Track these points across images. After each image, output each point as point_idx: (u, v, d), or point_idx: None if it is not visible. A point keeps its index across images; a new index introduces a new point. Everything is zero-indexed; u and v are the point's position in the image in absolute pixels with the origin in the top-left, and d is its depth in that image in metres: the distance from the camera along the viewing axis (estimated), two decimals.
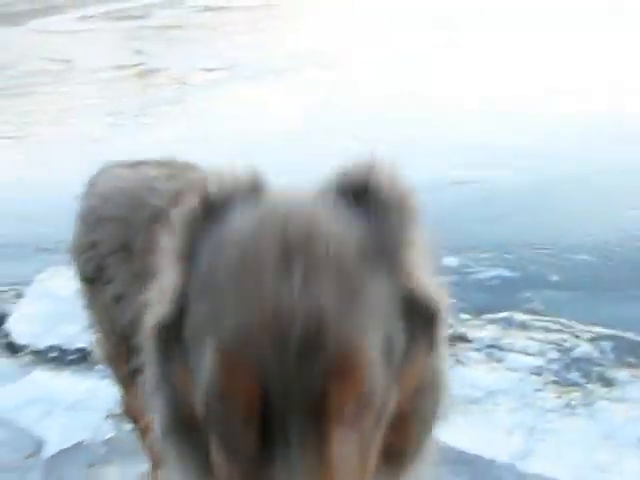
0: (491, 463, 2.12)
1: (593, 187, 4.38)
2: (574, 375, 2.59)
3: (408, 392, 0.87)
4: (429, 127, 5.84)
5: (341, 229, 0.82)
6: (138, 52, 11.52)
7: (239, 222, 0.83)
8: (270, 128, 5.99)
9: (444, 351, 0.97)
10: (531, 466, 2.11)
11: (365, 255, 0.81)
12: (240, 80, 8.28)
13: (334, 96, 7.03)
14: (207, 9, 19.12)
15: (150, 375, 0.93)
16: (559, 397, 2.45)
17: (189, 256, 0.85)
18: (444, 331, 0.93)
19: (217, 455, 0.81)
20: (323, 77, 8.08)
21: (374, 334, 0.77)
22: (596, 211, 4.04)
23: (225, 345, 0.75)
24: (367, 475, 0.80)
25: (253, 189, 0.89)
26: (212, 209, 0.86)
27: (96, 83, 9.01)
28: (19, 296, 3.53)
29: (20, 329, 3.19)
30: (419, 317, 0.86)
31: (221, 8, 19.07)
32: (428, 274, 0.92)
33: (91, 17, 18.80)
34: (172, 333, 0.85)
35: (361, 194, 0.88)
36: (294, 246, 0.77)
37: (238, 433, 0.76)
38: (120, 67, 10.04)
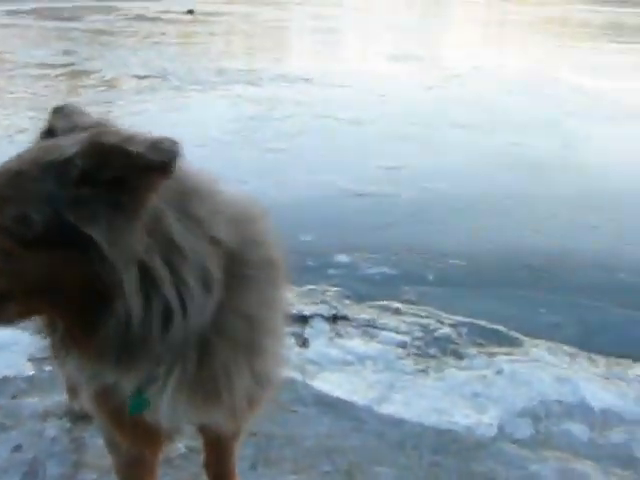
0: (352, 405, 2.62)
1: (472, 206, 5.07)
2: (433, 350, 3.12)
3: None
4: (341, 147, 6.44)
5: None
6: (68, 52, 11.68)
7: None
8: (192, 136, 6.41)
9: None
10: (385, 409, 2.61)
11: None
12: (168, 88, 8.67)
13: (256, 111, 7.54)
14: (138, 18, 19.33)
15: None
16: (417, 364, 2.97)
17: None
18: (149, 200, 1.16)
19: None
20: (248, 93, 8.59)
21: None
22: (470, 225, 4.71)
23: None
24: None
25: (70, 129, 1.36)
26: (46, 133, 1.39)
27: (24, 78, 9.17)
28: None
29: None
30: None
31: (153, 19, 19.32)
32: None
33: (18, 13, 18.69)
34: None
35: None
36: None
37: None
38: (49, 65, 10.21)
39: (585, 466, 2.39)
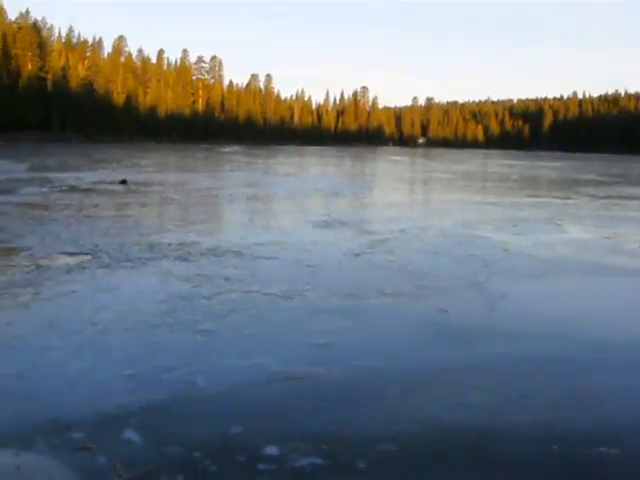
0: None
1: (401, 383, 5.12)
2: None
3: None
4: (271, 324, 6.51)
5: None
6: None
7: None
8: (121, 320, 6.41)
9: None
10: None
11: None
12: (98, 267, 8.71)
13: (185, 289, 7.60)
14: (72, 189, 19.66)
15: None
16: None
17: None
18: None
19: None
20: (178, 269, 8.68)
21: None
22: (399, 404, 4.75)
23: None
24: None
25: None
26: None
27: None
28: None
29: None
30: None
31: (86, 190, 19.67)
32: None
33: None
34: None
35: None
36: None
37: None
38: None
39: None
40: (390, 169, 47.42)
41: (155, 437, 4.12)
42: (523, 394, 5.04)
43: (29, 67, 76.09)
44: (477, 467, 3.98)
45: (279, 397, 4.79)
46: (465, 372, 5.45)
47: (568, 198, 23.59)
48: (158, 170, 31.90)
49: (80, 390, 4.83)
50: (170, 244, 10.50)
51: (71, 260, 9.13)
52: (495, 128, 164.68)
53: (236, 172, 32.88)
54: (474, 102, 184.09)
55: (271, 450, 3.97)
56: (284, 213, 16.94)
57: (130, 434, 4.15)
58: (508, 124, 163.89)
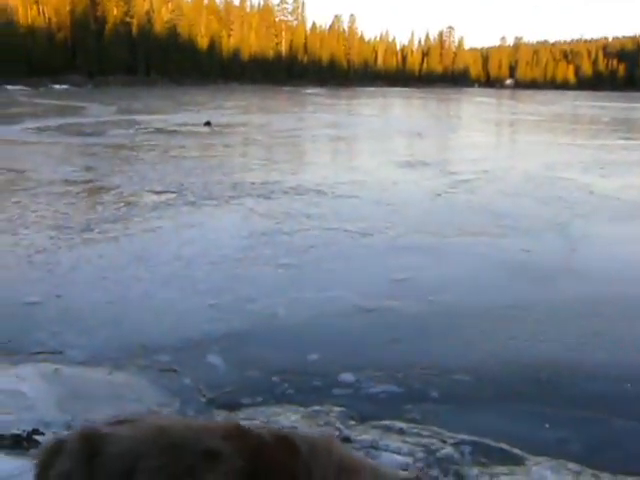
0: None
1: (476, 318, 5.15)
2: (434, 472, 3.16)
3: None
4: (350, 260, 6.61)
5: None
6: (89, 169, 12.15)
7: None
8: (206, 254, 6.64)
9: None
10: None
11: None
12: (183, 204, 8.99)
13: (267, 226, 7.78)
14: (158, 131, 20.08)
15: None
16: None
17: None
18: None
19: None
20: (261, 207, 8.87)
21: None
22: (473, 338, 4.79)
23: None
24: None
25: None
26: None
27: (46, 196, 9.53)
28: None
29: None
30: None
31: (171, 132, 20.06)
32: None
33: (46, 130, 19.49)
34: None
35: None
36: None
37: None
38: (71, 182, 10.64)
39: None
40: (475, 111, 46.29)
41: (236, 362, 4.31)
42: (598, 332, 4.99)
43: (115, 12, 77.13)
44: (549, 401, 4.00)
45: (356, 328, 4.91)
46: (542, 309, 5.42)
47: None
48: (241, 112, 32.17)
49: (166, 318, 5.07)
50: (253, 183, 10.69)
51: (157, 198, 9.44)
52: (587, 68, 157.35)
53: (319, 113, 32.80)
54: (565, 41, 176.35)
55: (347, 377, 4.10)
56: (366, 153, 16.91)
57: (213, 359, 4.35)
58: (602, 64, 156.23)
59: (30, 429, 3.39)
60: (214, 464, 1.74)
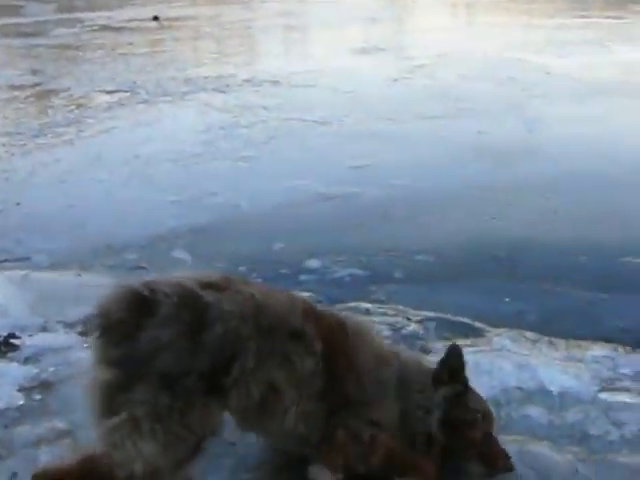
0: None
1: (437, 200, 5.26)
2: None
3: None
4: (310, 149, 6.61)
5: None
6: (35, 72, 11.71)
7: None
8: (164, 151, 6.56)
9: None
10: None
11: None
12: (137, 102, 8.79)
13: (225, 120, 7.68)
14: (104, 28, 19.31)
15: None
16: None
17: None
18: None
19: None
20: (216, 101, 8.72)
21: None
22: (435, 220, 4.92)
23: None
24: None
25: None
26: None
27: None
28: None
29: None
30: None
31: (118, 28, 19.32)
32: None
33: None
34: None
35: None
36: None
37: None
38: (17, 87, 10.26)
39: (542, 446, 2.59)
40: None
41: (203, 255, 4.37)
42: (556, 209, 5.12)
43: None
44: (508, 276, 4.16)
45: (319, 216, 4.98)
46: (501, 189, 5.53)
47: (621, 18, 22.33)
48: (189, 4, 30.94)
49: (130, 217, 5.08)
50: (207, 77, 10.42)
51: (110, 98, 9.20)
52: None
53: (269, 3, 31.75)
54: None
55: (312, 263, 4.20)
56: (320, 41, 16.51)
57: (179, 253, 4.41)
58: None
59: (6, 333, 3.45)
60: (298, 344, 2.13)
